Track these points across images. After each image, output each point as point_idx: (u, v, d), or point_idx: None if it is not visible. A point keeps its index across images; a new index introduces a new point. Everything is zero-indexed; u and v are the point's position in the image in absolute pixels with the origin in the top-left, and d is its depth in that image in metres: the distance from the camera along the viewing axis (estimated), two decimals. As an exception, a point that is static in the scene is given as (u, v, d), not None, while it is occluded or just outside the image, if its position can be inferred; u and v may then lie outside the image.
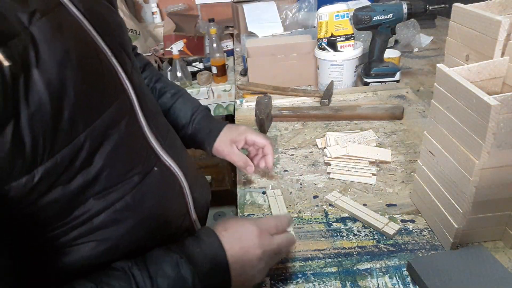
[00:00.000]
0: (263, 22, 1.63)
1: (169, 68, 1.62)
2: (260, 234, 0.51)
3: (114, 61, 0.49)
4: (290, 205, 0.77)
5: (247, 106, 1.20)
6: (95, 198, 0.46)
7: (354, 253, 0.64)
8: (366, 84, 1.25)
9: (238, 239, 0.50)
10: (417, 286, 0.57)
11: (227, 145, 0.77)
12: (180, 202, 0.61)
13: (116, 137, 0.46)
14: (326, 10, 1.13)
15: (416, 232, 0.68)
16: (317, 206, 0.76)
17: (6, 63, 0.34)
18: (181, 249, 0.48)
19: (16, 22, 0.36)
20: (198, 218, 0.66)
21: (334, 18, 1.11)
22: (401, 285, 0.58)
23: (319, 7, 1.73)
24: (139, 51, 1.83)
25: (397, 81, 1.24)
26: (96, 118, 0.44)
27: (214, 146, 0.77)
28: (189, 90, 1.77)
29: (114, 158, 0.46)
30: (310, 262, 0.63)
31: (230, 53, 1.85)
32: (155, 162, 0.54)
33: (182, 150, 0.68)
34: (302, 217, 0.73)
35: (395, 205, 0.74)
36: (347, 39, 1.11)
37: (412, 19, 1.38)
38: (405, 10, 1.13)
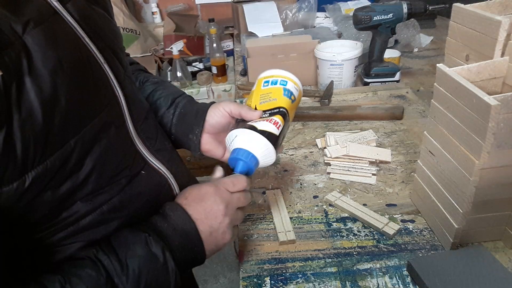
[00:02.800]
0: (263, 22, 1.64)
1: (169, 68, 1.62)
2: (217, 190, 0.53)
3: (106, 67, 0.50)
4: (290, 205, 0.77)
5: (247, 106, 1.20)
6: (83, 200, 0.46)
7: (354, 253, 0.64)
8: (366, 84, 1.25)
9: (200, 201, 0.52)
10: (417, 286, 0.57)
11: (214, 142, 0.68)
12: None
13: (105, 142, 0.47)
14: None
15: (416, 232, 0.68)
16: (317, 206, 0.76)
17: None
18: (149, 227, 0.49)
19: (10, 33, 0.37)
20: None
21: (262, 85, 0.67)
22: (401, 285, 0.58)
23: (319, 7, 1.74)
24: (139, 50, 1.83)
25: (397, 81, 1.24)
26: (87, 123, 0.44)
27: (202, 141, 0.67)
28: (189, 90, 1.78)
29: (102, 163, 0.47)
30: (310, 262, 0.63)
31: (230, 53, 1.85)
32: (142, 166, 0.55)
33: (173, 152, 0.66)
34: (302, 217, 0.73)
35: (395, 205, 0.74)
36: (272, 114, 0.63)
37: (412, 19, 1.38)
38: (405, 10, 1.13)
